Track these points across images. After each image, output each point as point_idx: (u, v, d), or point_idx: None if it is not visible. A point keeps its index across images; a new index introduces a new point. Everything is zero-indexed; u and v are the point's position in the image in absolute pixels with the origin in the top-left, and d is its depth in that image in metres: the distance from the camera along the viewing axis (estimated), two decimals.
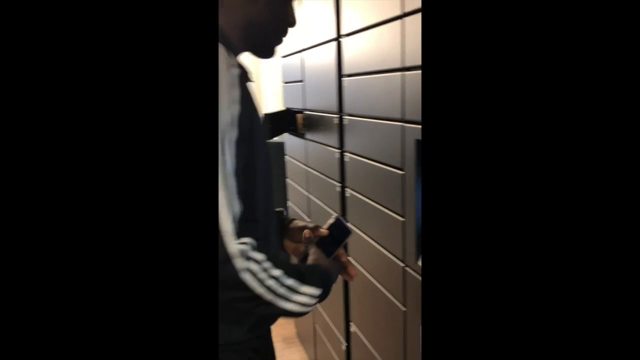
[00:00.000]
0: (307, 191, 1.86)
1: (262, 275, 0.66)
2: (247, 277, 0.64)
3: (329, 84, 1.46)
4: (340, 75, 1.39)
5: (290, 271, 0.69)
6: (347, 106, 1.35)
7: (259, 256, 0.66)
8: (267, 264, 0.67)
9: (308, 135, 1.78)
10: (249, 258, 0.64)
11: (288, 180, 2.19)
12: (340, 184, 1.47)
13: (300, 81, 1.80)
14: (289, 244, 0.94)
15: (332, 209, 1.56)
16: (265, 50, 0.78)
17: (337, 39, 1.38)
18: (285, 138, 2.18)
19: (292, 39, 1.91)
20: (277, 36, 0.77)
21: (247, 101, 0.67)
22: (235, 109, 0.65)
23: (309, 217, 1.88)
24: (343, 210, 1.47)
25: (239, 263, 0.64)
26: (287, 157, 2.18)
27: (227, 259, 0.64)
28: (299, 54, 1.80)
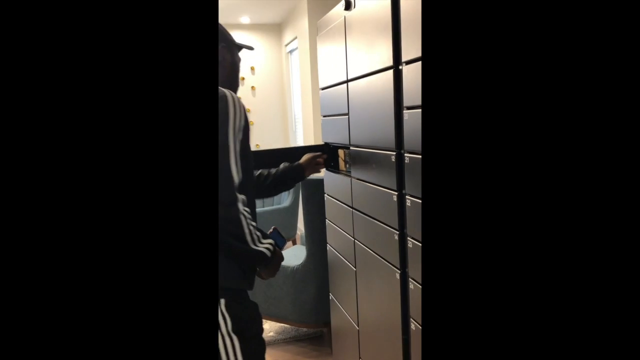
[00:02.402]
0: (352, 236, 1.66)
1: (248, 220, 1.11)
2: (242, 218, 1.09)
3: (385, 117, 1.28)
4: (399, 107, 1.22)
5: (263, 233, 1.17)
6: (409, 142, 1.17)
7: (248, 209, 1.12)
8: (250, 217, 1.12)
9: (354, 173, 1.60)
10: (243, 207, 1.10)
11: (327, 222, 2.00)
12: (398, 232, 1.27)
13: (345, 114, 1.64)
14: (309, 174, 1.64)
15: (389, 261, 1.35)
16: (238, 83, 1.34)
17: (396, 67, 1.21)
18: (324, 175, 2.00)
19: (331, 71, 1.76)
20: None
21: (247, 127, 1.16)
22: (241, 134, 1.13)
23: (354, 265, 1.67)
24: (403, 263, 1.27)
25: (240, 206, 1.08)
26: (326, 196, 1.99)
27: (234, 201, 1.07)
28: (342, 85, 1.64)
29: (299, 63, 4.53)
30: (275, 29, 5.35)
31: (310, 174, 1.65)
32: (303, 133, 4.60)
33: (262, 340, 1.25)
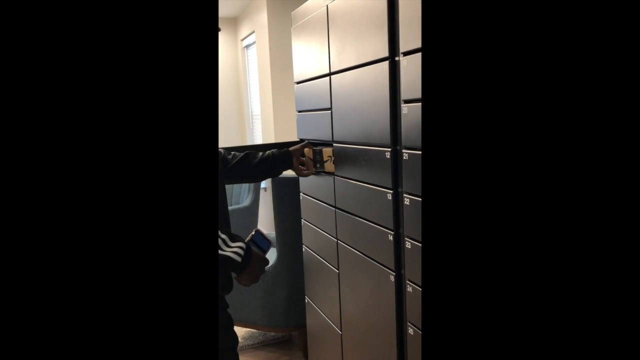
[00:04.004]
0: (335, 237, 1.59)
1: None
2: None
3: (378, 111, 1.22)
4: (395, 101, 1.16)
5: (231, 235, 1.09)
6: (408, 138, 1.11)
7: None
8: (219, 233, 1.08)
9: (338, 171, 1.53)
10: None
11: (304, 222, 1.92)
12: (393, 232, 1.21)
13: (327, 109, 1.56)
14: (297, 165, 1.61)
15: (381, 263, 1.29)
16: None
17: (392, 58, 1.15)
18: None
19: (309, 64, 1.68)
20: None
21: None
22: None
23: (337, 267, 1.60)
24: (399, 265, 1.21)
25: None
26: (301, 195, 1.91)
27: None
28: (323, 78, 1.57)
29: (256, 58, 4.39)
30: (230, 23, 5.17)
31: (298, 167, 1.62)
32: (262, 131, 4.47)
33: (236, 355, 1.18)
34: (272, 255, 2.38)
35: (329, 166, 1.58)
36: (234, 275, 1.17)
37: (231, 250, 1.07)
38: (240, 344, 2.56)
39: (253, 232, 1.24)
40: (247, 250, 1.11)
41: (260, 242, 1.24)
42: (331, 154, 1.56)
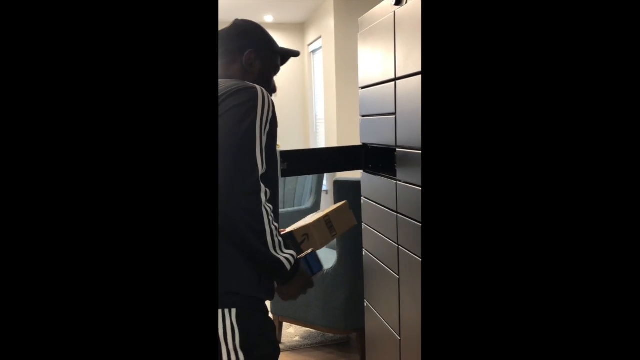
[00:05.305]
0: (396, 242, 1.59)
1: (270, 218, 0.97)
2: (263, 213, 0.95)
3: None
4: None
5: (285, 243, 1.04)
6: None
7: (270, 205, 0.98)
8: (273, 216, 0.99)
9: (400, 175, 1.53)
10: (266, 201, 0.97)
11: (364, 226, 1.93)
12: None
13: (391, 114, 1.57)
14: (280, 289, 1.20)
15: None
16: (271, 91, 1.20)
17: None
18: (361, 176, 1.93)
19: (375, 69, 1.69)
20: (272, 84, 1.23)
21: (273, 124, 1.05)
22: (266, 129, 1.02)
23: (397, 273, 1.60)
24: None
25: (263, 198, 0.96)
26: (363, 199, 1.92)
27: (257, 191, 0.95)
28: (388, 83, 1.57)
29: (322, 63, 4.47)
30: (297, 29, 5.30)
31: (279, 291, 1.14)
32: (325, 134, 4.54)
33: None
34: (332, 257, 2.42)
35: (317, 241, 1.23)
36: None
37: (284, 255, 1.02)
38: (299, 343, 2.62)
39: (309, 251, 1.17)
40: (296, 262, 1.05)
41: (313, 263, 1.15)
42: (309, 231, 1.23)
